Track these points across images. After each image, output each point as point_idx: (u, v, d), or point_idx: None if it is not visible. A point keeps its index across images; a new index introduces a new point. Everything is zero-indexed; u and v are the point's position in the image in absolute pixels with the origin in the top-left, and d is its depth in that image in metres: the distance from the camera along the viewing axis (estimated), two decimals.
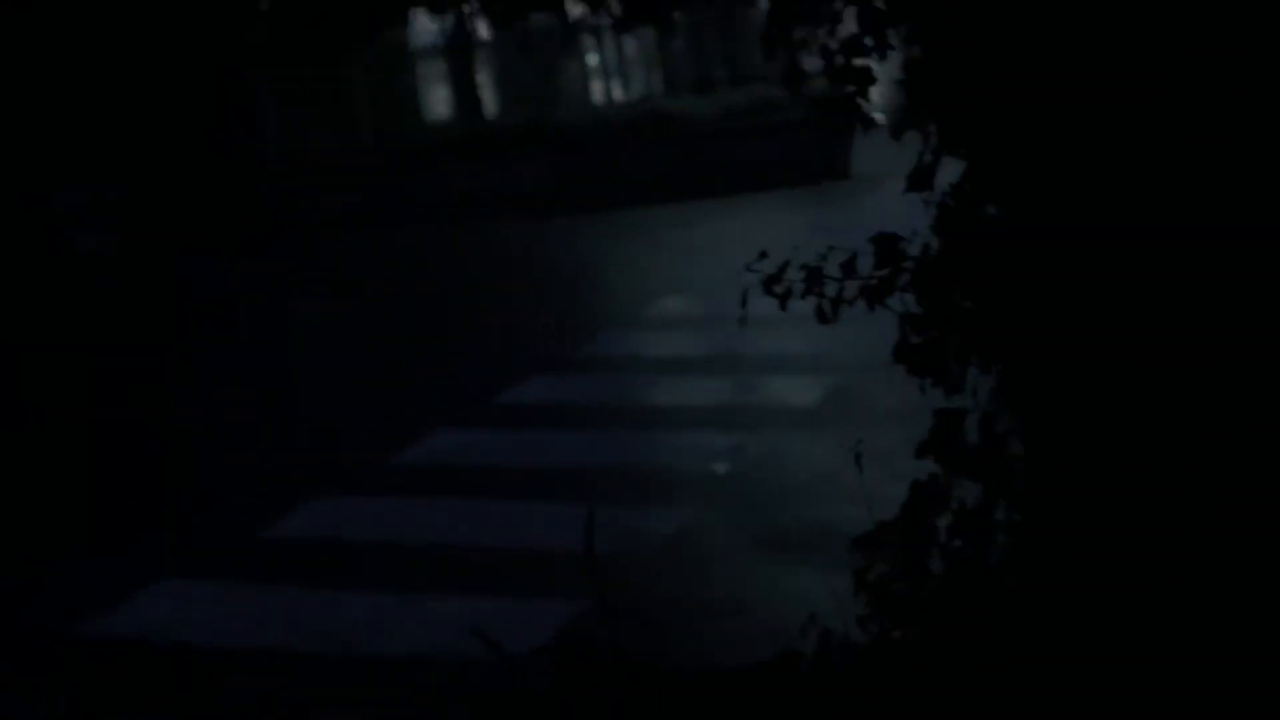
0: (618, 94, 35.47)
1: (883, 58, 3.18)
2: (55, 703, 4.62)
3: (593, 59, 34.99)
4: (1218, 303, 2.65)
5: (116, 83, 16.78)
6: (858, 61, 3.23)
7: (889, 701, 2.68)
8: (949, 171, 3.20)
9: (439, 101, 33.88)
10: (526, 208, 16.66)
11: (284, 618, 5.13)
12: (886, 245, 3.24)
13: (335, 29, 19.47)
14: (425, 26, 28.39)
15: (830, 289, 3.06)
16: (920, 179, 3.16)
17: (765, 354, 8.59)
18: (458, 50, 18.67)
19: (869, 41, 3.21)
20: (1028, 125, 2.82)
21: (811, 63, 3.54)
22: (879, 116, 3.31)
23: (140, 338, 12.16)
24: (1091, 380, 2.73)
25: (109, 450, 8.02)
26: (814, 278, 3.16)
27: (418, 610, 5.03)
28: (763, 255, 3.20)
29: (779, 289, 3.24)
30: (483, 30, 33.84)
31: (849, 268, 3.14)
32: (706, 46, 27.57)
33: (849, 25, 3.29)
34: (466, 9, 18.73)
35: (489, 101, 35.37)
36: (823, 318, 3.16)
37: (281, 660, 4.75)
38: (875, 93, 3.25)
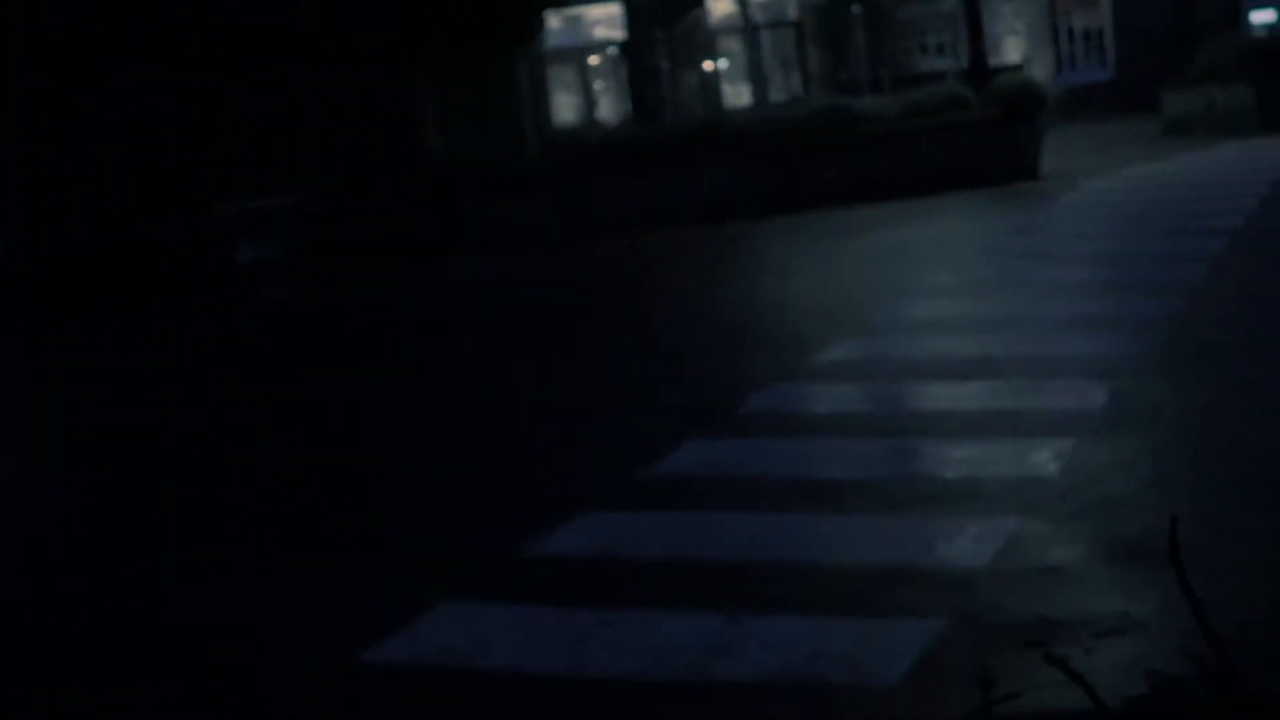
0: (745, 98, 35.23)
1: None
2: None
3: (722, 63, 34.86)
4: None
5: (283, 91, 16.69)
6: None
7: None
8: None
9: (563, 107, 33.93)
10: (712, 214, 16.25)
11: (596, 640, 4.71)
12: None
13: (501, 30, 19.26)
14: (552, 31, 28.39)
15: None
16: None
17: (1032, 356, 8.06)
18: (634, 52, 18.22)
19: None
20: None
21: None
22: None
23: (323, 353, 11.95)
24: None
25: (339, 475, 7.73)
26: None
27: (755, 632, 4.59)
28: None
29: None
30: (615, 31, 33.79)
31: None
32: (847, 48, 27.10)
33: None
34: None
35: (615, 107, 35.34)
36: None
37: (608, 686, 4.33)
38: None
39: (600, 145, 17.12)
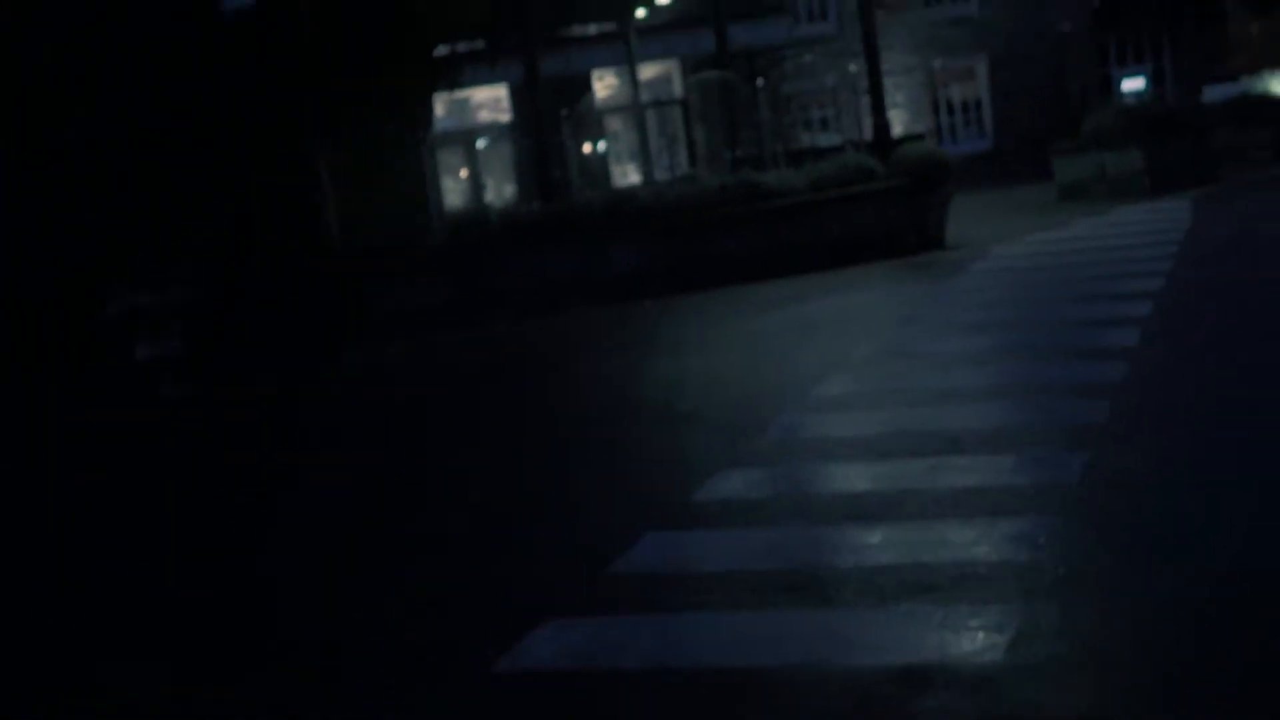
0: (633, 177, 35.25)
1: None
2: None
3: (603, 144, 34.84)
4: None
5: (177, 180, 16.08)
6: None
7: None
8: None
9: (452, 190, 33.56)
10: (622, 292, 15.94)
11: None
12: None
13: (397, 113, 18.90)
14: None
15: None
16: None
17: (988, 427, 7.81)
18: (527, 132, 17.89)
19: None
20: None
21: None
22: None
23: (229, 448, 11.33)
24: None
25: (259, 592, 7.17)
26: None
27: None
28: None
29: None
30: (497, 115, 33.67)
31: None
32: (737, 125, 27.18)
33: None
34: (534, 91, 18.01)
35: (504, 189, 35.11)
36: None
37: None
38: None
39: (503, 225, 16.67)
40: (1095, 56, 35.82)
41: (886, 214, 16.80)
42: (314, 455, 10.40)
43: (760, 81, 27.67)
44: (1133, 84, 36.21)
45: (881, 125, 18.32)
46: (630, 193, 17.60)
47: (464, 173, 34.70)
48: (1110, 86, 36.08)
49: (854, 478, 7.22)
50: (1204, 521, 5.77)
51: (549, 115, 23.81)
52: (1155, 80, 36.04)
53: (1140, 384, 8.49)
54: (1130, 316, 10.61)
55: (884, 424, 8.22)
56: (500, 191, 35.81)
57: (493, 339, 15.10)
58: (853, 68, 34.62)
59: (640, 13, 29.84)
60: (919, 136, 22.10)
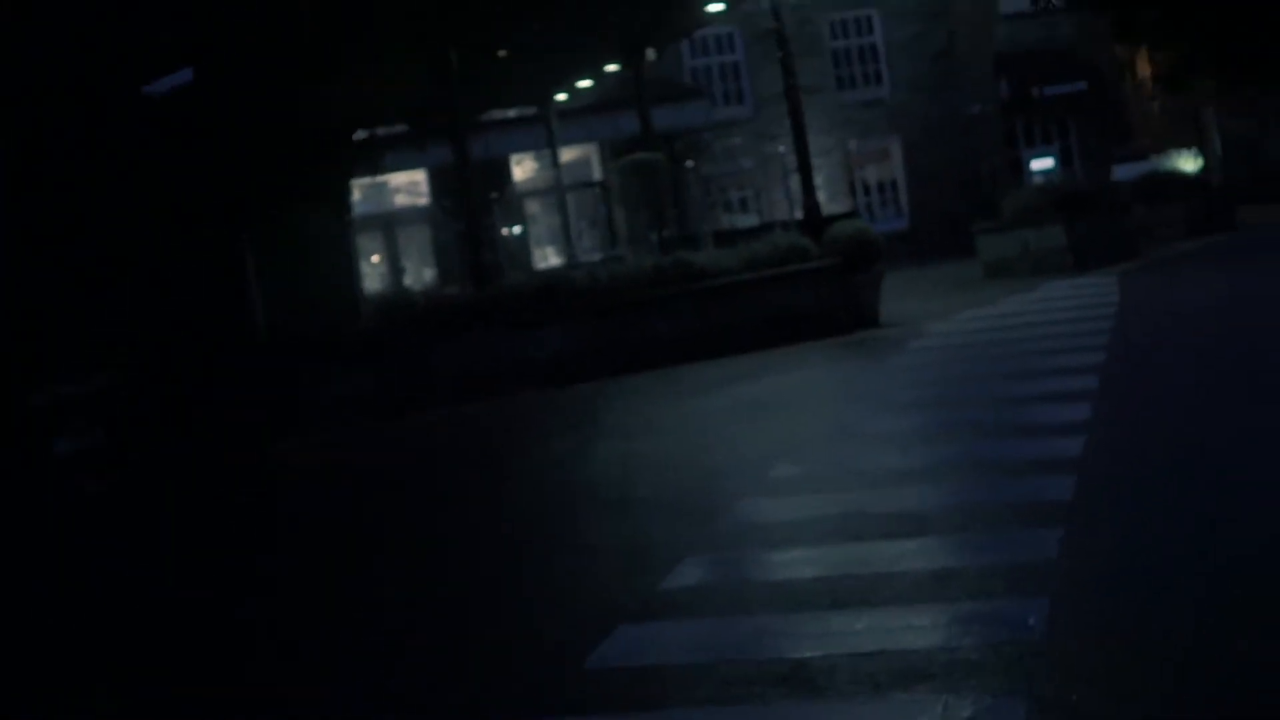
0: (553, 259, 35.22)
1: None
2: None
3: (517, 228, 34.82)
4: None
5: (100, 267, 15.66)
6: None
7: None
8: None
9: (368, 275, 33.27)
10: (557, 375, 15.73)
11: None
12: None
13: (321, 197, 18.68)
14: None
15: None
16: None
17: (956, 506, 7.68)
18: (461, 214, 17.72)
19: None
20: None
21: None
22: None
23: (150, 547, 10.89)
24: None
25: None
26: None
27: None
28: None
29: None
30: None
31: None
32: (658, 206, 27.24)
33: None
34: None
35: (424, 272, 34.90)
36: None
37: None
38: None
39: (433, 309, 16.40)
40: (1005, 138, 36.53)
41: (820, 293, 16.81)
42: (243, 555, 10.01)
43: (690, 163, 27.80)
44: (1042, 164, 36.96)
45: (812, 205, 18.40)
46: (563, 274, 17.44)
47: (376, 258, 34.46)
48: (1020, 167, 36.79)
49: (825, 562, 7.03)
50: (1190, 597, 5.66)
51: (493, 196, 23.72)
52: (1063, 160, 36.82)
53: (1101, 458, 8.43)
54: (1078, 390, 10.60)
55: (846, 505, 8.06)
56: (419, 275, 35.55)
57: (428, 425, 14.78)
58: (773, 149, 34.97)
59: (561, 96, 29.92)
60: (850, 215, 22.25)
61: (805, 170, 18.54)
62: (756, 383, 13.70)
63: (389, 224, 34.87)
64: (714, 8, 21.44)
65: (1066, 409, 9.97)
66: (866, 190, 36.08)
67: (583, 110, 32.55)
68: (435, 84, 18.93)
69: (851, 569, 6.82)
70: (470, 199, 17.64)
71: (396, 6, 17.84)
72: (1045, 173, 36.62)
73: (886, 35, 35.94)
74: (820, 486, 8.71)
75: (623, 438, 11.83)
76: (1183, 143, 36.19)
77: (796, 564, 7.13)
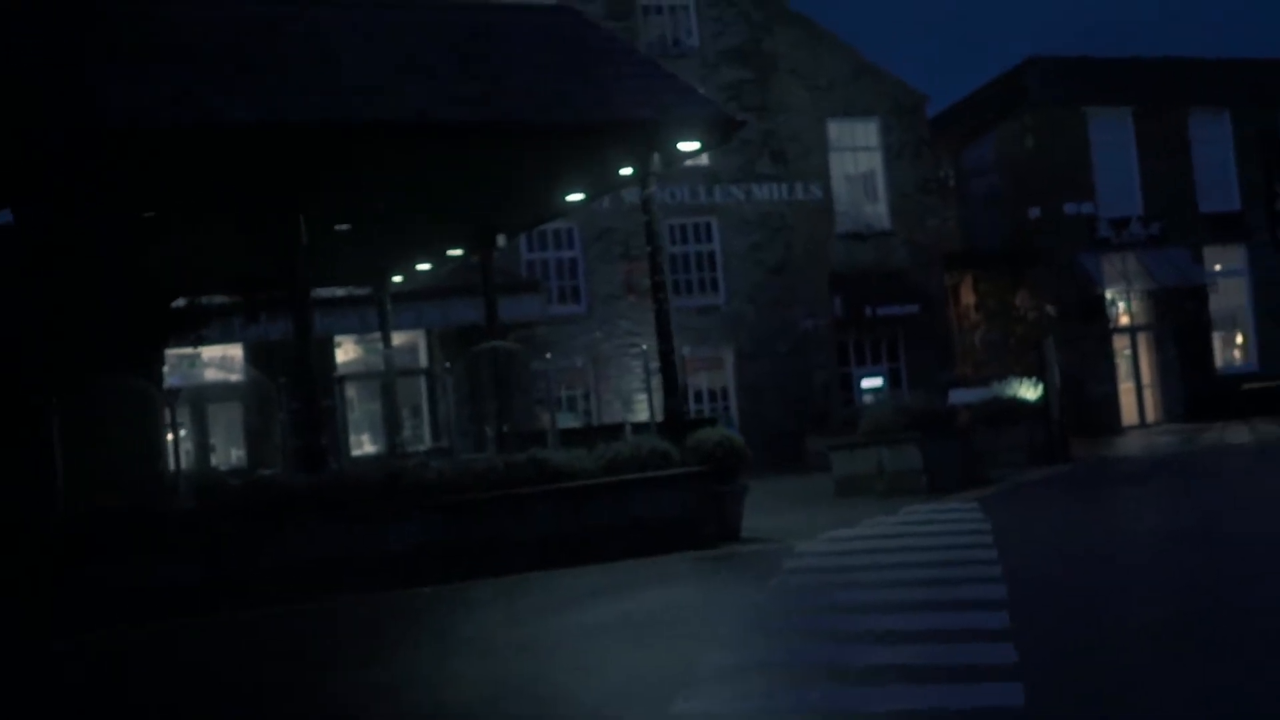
0: (372, 448, 33.64)
1: None
2: None
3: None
4: None
5: None
6: None
7: None
8: None
9: (183, 453, 31.10)
10: (397, 576, 14.19)
11: None
12: None
13: (129, 368, 17.12)
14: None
15: None
16: None
17: None
18: (304, 394, 16.23)
19: None
20: None
21: None
22: None
23: None
24: None
25: None
26: None
27: None
28: None
29: None
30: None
31: None
32: (495, 399, 26.10)
33: None
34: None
35: (233, 453, 32.90)
36: None
37: None
38: None
39: (260, 494, 14.75)
40: (836, 354, 36.66)
41: (685, 501, 15.79)
42: None
43: (549, 355, 26.84)
44: (871, 382, 37.14)
45: (675, 408, 17.48)
46: (409, 465, 16.01)
47: (176, 434, 32.41)
48: (851, 383, 36.89)
49: None
50: None
51: (279, 378, 22.14)
52: (892, 380, 37.05)
53: (1055, 706, 7.44)
54: (991, 629, 9.67)
55: None
56: (227, 455, 33.47)
57: (251, 627, 13.05)
58: (609, 347, 34.40)
59: (398, 279, 28.79)
60: (711, 421, 21.44)
61: (669, 370, 17.67)
62: (629, 598, 12.46)
63: (198, 398, 32.92)
64: (574, 198, 20.73)
65: (989, 649, 9.01)
66: (699, 398, 35.59)
67: (413, 295, 31.47)
68: (272, 252, 17.67)
69: None
70: (309, 376, 16.19)
71: (239, 167, 16.66)
72: (875, 390, 36.77)
73: (725, 244, 36.00)
74: None
75: (489, 657, 10.41)
76: (1002, 372, 36.86)
77: None
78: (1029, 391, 26.40)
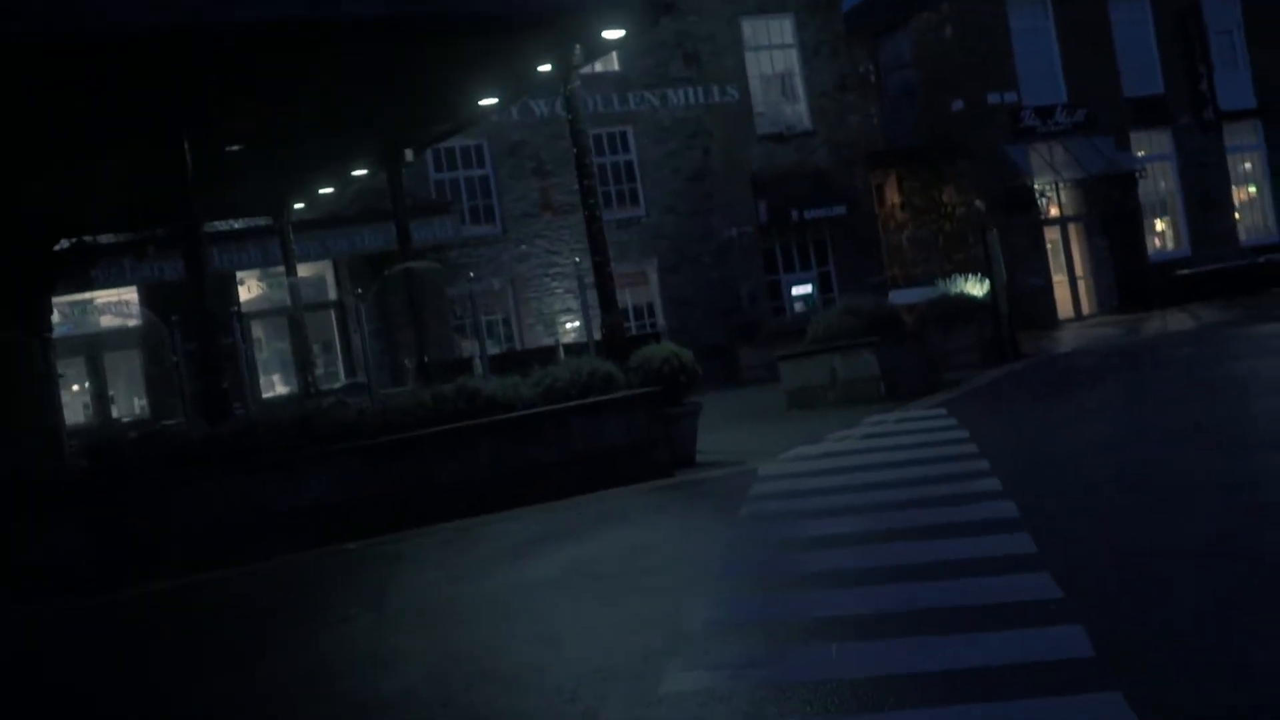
0: (284, 389, 31.84)
1: None
2: None
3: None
4: None
5: None
6: None
7: None
8: None
9: (69, 407, 29.06)
10: (321, 530, 12.60)
11: None
12: None
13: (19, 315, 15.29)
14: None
15: None
16: None
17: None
18: (202, 336, 14.47)
19: None
20: None
21: None
22: None
23: None
24: None
25: None
26: None
27: None
28: None
29: None
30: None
31: None
32: (413, 328, 24.45)
33: None
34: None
35: (135, 402, 30.92)
36: None
37: None
38: None
39: (158, 449, 13.01)
40: (763, 262, 35.28)
41: (633, 427, 14.31)
42: None
43: (472, 274, 25.11)
44: (801, 289, 35.85)
45: (615, 324, 15.94)
46: (323, 406, 14.36)
47: (75, 387, 30.40)
48: (780, 291, 35.57)
49: None
50: None
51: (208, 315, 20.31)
52: (823, 285, 35.78)
53: (1085, 596, 6.12)
54: (1020, 554, 8.36)
55: None
56: (129, 405, 31.47)
57: (157, 601, 11.42)
58: (526, 268, 32.80)
59: (299, 206, 26.85)
60: (654, 336, 19.92)
61: (606, 284, 16.10)
62: (586, 543, 10.98)
63: (94, 347, 30.84)
64: (487, 102, 18.97)
65: (1030, 581, 7.69)
66: (625, 315, 34.05)
67: (317, 224, 29.57)
68: (159, 182, 15.81)
69: None
70: (207, 316, 14.43)
71: (113, 84, 14.74)
72: (805, 297, 35.52)
73: (642, 153, 34.35)
74: (745, 709, 6.11)
75: (434, 623, 8.88)
76: (933, 271, 35.74)
77: None
78: (974, 288, 25.19)
